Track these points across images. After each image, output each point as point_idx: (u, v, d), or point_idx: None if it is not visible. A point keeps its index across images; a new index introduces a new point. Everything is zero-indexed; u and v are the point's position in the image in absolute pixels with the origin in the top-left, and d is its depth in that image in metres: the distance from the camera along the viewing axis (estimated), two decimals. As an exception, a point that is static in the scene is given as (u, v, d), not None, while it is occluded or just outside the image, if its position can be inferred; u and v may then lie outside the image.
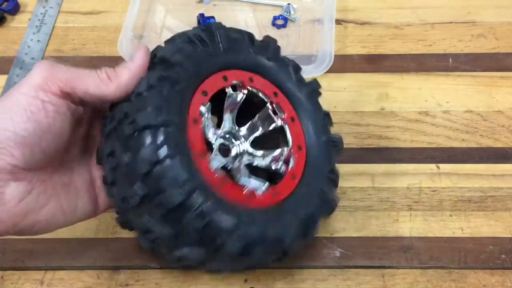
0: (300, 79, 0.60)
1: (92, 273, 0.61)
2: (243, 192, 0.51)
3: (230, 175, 0.53)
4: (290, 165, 0.56)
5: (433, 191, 0.65)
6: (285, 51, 0.78)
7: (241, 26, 0.82)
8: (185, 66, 0.49)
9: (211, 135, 0.52)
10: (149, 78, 0.47)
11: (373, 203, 0.64)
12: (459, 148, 0.69)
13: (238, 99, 0.56)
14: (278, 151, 0.57)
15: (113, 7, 0.85)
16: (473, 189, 0.65)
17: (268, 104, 0.57)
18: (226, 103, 0.55)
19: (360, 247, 0.61)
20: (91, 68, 0.48)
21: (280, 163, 0.56)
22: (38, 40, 0.81)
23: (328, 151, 0.58)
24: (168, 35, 0.50)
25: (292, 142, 0.57)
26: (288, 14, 0.82)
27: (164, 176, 0.45)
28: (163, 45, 0.53)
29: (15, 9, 0.84)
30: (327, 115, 0.60)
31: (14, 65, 0.78)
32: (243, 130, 0.57)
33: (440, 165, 0.67)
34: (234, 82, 0.54)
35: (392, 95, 0.74)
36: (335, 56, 0.75)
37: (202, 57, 0.51)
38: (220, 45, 0.53)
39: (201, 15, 0.81)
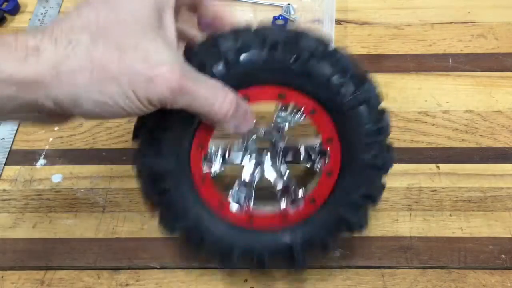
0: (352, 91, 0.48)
1: (92, 273, 0.61)
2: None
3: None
4: (309, 189, 0.54)
5: (433, 191, 0.65)
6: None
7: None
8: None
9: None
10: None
11: (373, 203, 0.65)
12: (459, 148, 0.69)
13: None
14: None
15: (113, 7, 0.85)
16: (473, 189, 0.65)
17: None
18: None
19: (360, 247, 0.61)
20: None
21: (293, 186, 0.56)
22: (38, 40, 0.81)
23: (366, 174, 0.51)
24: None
25: (322, 169, 0.53)
26: (288, 14, 0.82)
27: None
28: None
29: (15, 9, 0.84)
30: (383, 128, 0.51)
31: (14, 65, 0.78)
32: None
33: (440, 165, 0.67)
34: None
35: (392, 95, 0.74)
36: (335, 56, 0.75)
37: None
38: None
39: (201, 15, 0.81)
